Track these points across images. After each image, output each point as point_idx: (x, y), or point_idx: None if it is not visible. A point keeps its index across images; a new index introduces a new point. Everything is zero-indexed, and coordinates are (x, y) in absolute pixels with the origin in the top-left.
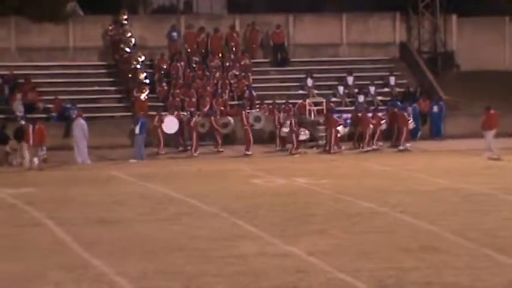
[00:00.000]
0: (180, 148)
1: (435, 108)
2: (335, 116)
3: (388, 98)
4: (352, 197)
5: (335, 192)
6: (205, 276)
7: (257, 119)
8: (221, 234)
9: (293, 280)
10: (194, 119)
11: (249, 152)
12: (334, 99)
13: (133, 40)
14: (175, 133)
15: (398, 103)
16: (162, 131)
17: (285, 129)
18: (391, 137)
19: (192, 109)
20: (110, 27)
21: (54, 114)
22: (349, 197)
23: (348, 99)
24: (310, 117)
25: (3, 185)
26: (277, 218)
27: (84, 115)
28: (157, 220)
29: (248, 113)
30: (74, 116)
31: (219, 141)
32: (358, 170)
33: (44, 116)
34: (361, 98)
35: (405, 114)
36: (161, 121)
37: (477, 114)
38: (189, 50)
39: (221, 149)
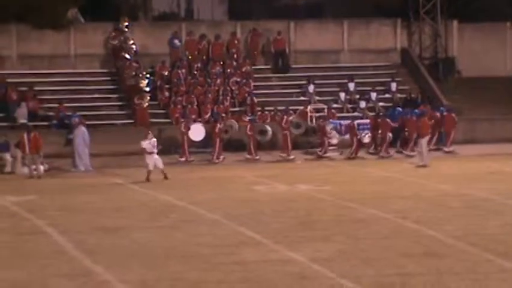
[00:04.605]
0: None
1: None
2: (388, 120)
3: (390, 104)
4: (354, 203)
5: (337, 198)
6: (207, 283)
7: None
8: (223, 241)
9: (296, 286)
10: (218, 125)
11: (291, 157)
12: (335, 105)
13: (134, 47)
14: (202, 140)
15: (399, 109)
16: (188, 138)
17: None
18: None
19: (223, 115)
20: (112, 35)
21: (54, 121)
22: (352, 203)
23: (349, 106)
24: (311, 123)
25: (4, 193)
26: (279, 225)
27: (86, 123)
28: (160, 227)
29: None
30: (73, 123)
31: (252, 149)
32: (360, 176)
33: (45, 123)
34: (362, 104)
35: (454, 116)
36: (188, 128)
37: (479, 119)
38: (190, 57)
39: (250, 156)
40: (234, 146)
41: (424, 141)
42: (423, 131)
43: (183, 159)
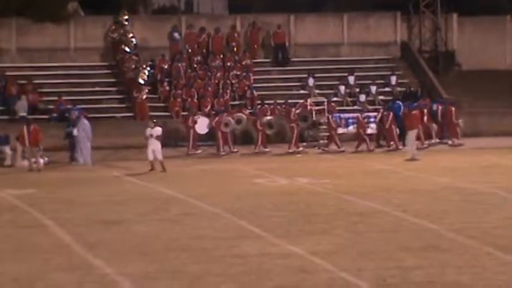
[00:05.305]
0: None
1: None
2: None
3: (390, 98)
4: (354, 196)
5: (337, 191)
6: (208, 276)
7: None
8: (224, 234)
9: (296, 280)
10: (217, 118)
11: (298, 149)
12: (335, 98)
13: (134, 41)
14: (207, 133)
15: (399, 102)
16: (194, 132)
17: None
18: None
19: (223, 108)
20: (112, 28)
21: (54, 115)
22: (352, 196)
23: (349, 99)
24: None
25: (4, 186)
26: (279, 218)
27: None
28: (160, 220)
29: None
30: (73, 116)
31: (259, 142)
32: (360, 170)
33: (45, 117)
34: (362, 98)
35: (455, 110)
36: (194, 122)
37: (478, 113)
38: (190, 50)
39: (267, 149)
40: (241, 139)
41: (411, 134)
42: (412, 125)
43: (199, 151)
